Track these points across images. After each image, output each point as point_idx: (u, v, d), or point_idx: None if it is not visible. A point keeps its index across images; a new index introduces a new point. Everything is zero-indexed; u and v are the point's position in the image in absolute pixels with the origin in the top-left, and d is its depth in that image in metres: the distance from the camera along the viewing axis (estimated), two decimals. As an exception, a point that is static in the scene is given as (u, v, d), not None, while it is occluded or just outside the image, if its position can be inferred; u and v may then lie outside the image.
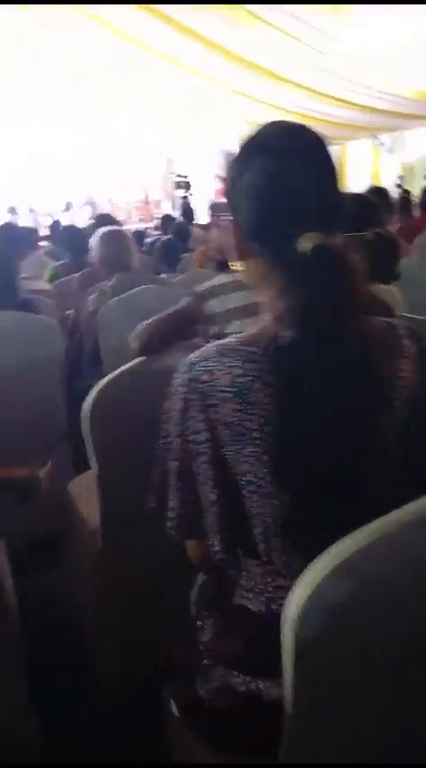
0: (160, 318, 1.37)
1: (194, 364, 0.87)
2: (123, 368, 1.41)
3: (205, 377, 0.85)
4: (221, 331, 1.23)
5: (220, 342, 0.87)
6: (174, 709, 1.09)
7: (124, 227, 2.54)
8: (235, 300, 1.23)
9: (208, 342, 1.31)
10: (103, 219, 3.20)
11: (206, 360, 0.86)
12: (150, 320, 1.38)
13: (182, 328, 1.34)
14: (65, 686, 1.53)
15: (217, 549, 0.91)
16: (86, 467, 2.16)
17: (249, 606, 0.93)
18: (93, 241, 2.26)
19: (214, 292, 1.28)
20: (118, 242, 2.27)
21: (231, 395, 0.83)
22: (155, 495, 0.95)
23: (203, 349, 0.89)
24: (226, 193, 0.90)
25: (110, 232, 2.34)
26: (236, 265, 1.25)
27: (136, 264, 2.33)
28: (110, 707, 1.50)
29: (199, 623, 1.07)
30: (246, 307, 1.23)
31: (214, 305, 1.26)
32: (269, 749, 0.84)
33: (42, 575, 1.65)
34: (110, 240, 2.27)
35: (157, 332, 1.36)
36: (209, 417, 0.85)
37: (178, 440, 0.89)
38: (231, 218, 0.89)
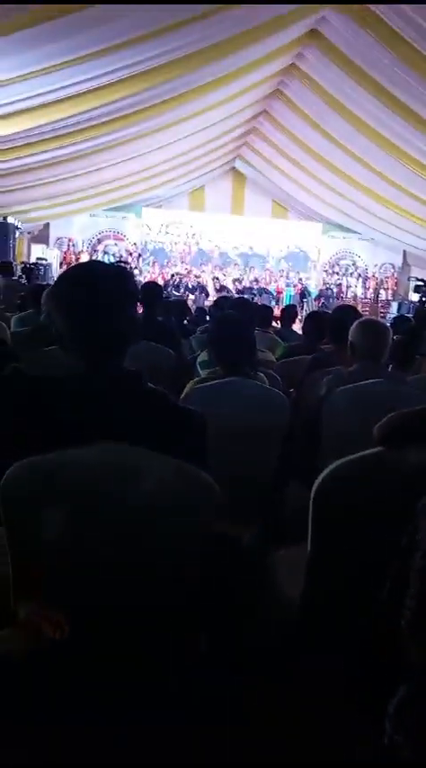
0: (409, 412, 1.37)
1: None
2: (361, 454, 1.41)
3: None
4: None
5: None
6: None
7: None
8: None
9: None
10: (347, 310, 3.32)
11: None
12: (398, 412, 1.38)
13: (431, 427, 1.32)
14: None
15: None
16: (286, 538, 2.19)
17: None
18: (352, 328, 2.37)
19: None
20: (377, 333, 2.35)
21: None
22: (390, 588, 0.93)
23: None
24: None
25: (371, 322, 2.47)
26: None
27: (384, 359, 2.38)
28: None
29: (397, 737, 1.01)
30: None
31: None
32: None
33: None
34: (370, 329, 2.36)
35: (403, 425, 1.36)
36: None
37: (430, 537, 0.87)
38: None
